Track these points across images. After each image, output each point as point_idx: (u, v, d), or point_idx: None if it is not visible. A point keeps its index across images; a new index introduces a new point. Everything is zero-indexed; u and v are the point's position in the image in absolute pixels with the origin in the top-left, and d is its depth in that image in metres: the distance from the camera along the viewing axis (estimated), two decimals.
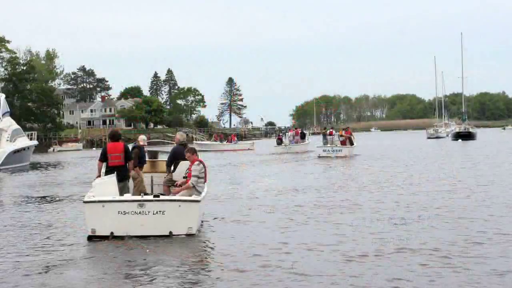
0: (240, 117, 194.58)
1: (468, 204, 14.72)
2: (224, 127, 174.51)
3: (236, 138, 68.42)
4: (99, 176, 12.32)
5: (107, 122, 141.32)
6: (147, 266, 8.95)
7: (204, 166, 12.22)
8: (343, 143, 40.39)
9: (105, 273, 8.68)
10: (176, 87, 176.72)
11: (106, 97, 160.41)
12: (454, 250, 9.59)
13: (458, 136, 73.18)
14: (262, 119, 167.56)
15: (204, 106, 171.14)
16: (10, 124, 44.89)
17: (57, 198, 19.04)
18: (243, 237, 11.15)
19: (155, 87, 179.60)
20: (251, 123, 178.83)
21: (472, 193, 17.05)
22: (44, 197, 19.71)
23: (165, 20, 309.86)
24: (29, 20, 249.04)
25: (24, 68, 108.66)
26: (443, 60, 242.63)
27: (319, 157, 38.58)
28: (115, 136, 12.89)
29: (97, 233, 10.94)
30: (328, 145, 40.82)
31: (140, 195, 11.68)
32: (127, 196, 11.44)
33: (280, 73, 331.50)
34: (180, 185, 12.22)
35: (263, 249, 9.99)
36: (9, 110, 47.96)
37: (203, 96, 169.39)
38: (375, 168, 27.84)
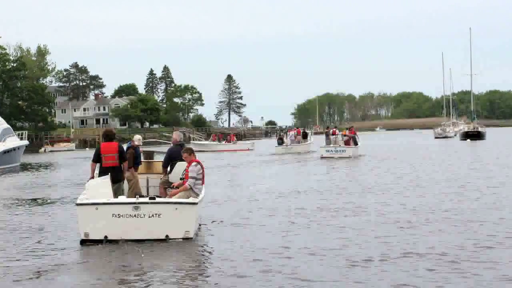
0: (240, 116, 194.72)
1: (478, 207, 14.72)
2: (223, 126, 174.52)
3: (235, 138, 68.43)
4: (93, 177, 12.32)
5: (101, 121, 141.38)
6: (142, 272, 8.95)
7: (202, 167, 12.22)
8: (347, 143, 40.39)
9: (98, 279, 8.68)
10: (173, 84, 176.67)
11: (100, 95, 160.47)
12: (462, 255, 9.59)
13: (467, 136, 73.22)
14: (262, 118, 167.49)
15: (202, 105, 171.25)
16: None
17: (49, 201, 19.04)
18: (242, 241, 11.15)
19: (150, 84, 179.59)
20: (251, 122, 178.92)
21: (481, 195, 17.05)
22: (35, 199, 19.72)
23: (161, 14, 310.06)
24: (19, 15, 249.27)
25: (14, 64, 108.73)
26: (451, 57, 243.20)
27: (322, 157, 38.58)
28: (109, 136, 12.90)
29: (91, 237, 10.93)
30: (331, 145, 40.83)
31: (135, 197, 11.67)
32: (122, 198, 11.44)
33: (281, 70, 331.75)
34: (177, 187, 12.22)
35: (264, 253, 9.99)
36: None
37: (201, 94, 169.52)
38: (380, 169, 27.84)
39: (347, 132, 41.43)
